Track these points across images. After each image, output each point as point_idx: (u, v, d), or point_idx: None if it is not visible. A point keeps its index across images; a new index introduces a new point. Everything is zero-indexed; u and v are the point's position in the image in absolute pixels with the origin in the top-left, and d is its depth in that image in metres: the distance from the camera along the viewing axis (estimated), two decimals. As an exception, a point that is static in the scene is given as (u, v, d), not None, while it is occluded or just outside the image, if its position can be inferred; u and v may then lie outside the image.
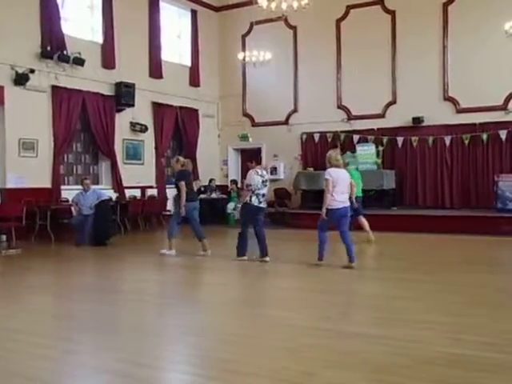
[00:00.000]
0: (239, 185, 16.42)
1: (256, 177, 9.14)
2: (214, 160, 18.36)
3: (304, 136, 17.16)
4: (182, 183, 9.86)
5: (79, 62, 13.61)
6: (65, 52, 13.37)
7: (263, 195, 9.19)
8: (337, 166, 8.41)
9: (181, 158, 10.56)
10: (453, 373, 3.91)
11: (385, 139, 15.96)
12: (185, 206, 9.82)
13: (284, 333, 5.06)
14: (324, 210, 8.30)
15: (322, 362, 4.17)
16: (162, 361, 4.42)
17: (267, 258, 9.12)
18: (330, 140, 16.69)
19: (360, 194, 11.51)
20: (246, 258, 9.21)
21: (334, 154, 8.59)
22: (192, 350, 4.72)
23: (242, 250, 9.24)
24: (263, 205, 9.26)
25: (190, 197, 10.00)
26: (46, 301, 6.85)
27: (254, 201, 9.09)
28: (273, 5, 11.64)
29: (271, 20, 15.25)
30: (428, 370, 3.95)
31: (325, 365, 4.11)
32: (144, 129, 15.62)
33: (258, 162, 9.48)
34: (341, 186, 8.30)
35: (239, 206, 9.26)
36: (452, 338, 4.72)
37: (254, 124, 18.05)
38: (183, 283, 7.93)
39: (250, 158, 9.63)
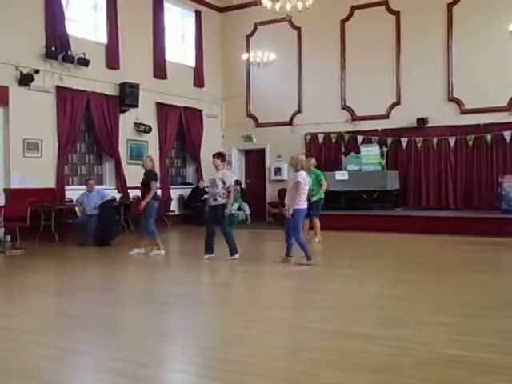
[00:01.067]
0: (243, 185, 16.46)
1: (234, 175, 9.62)
2: (217, 161, 18.34)
3: (308, 137, 17.15)
4: (155, 183, 10.26)
5: (83, 62, 13.64)
6: (69, 52, 13.40)
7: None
8: (306, 170, 9.04)
9: (152, 157, 10.86)
10: (453, 373, 3.91)
11: (389, 140, 15.94)
12: (148, 202, 10.18)
13: (285, 333, 5.07)
14: (291, 211, 8.67)
15: (323, 363, 4.17)
16: (164, 361, 4.43)
17: (237, 255, 9.35)
18: (334, 141, 16.69)
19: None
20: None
21: (304, 157, 9.24)
22: (194, 350, 4.73)
23: (235, 248, 9.39)
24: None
25: (156, 196, 10.47)
26: (49, 300, 6.87)
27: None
28: (277, 5, 11.64)
29: (275, 21, 15.25)
30: (428, 371, 3.95)
31: (326, 365, 4.12)
32: (148, 129, 15.64)
33: (223, 160, 9.53)
34: (307, 188, 8.92)
35: (237, 205, 9.33)
36: (452, 338, 4.72)
37: (258, 125, 18.06)
38: (185, 283, 7.94)
39: (219, 155, 9.54)
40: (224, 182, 9.23)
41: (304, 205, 8.84)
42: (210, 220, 9.57)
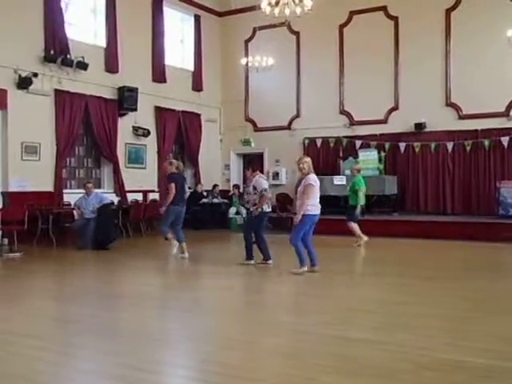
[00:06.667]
0: (241, 189, 16.43)
1: (265, 182, 9.34)
2: (216, 165, 18.39)
3: (306, 141, 17.17)
4: (172, 185, 9.96)
5: (82, 66, 13.64)
6: (68, 56, 13.40)
7: (269, 199, 9.38)
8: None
9: (174, 161, 10.70)
10: (452, 379, 3.91)
11: (387, 145, 15.96)
12: (168, 207, 9.98)
13: (284, 338, 5.06)
14: (299, 217, 8.28)
15: (322, 368, 4.17)
16: (163, 366, 4.42)
17: (270, 261, 9.21)
18: (332, 145, 16.73)
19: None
20: (271, 261, 9.26)
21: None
22: (193, 355, 4.73)
23: (268, 252, 9.27)
24: (270, 209, 9.44)
25: (176, 200, 10.07)
26: (46, 304, 6.85)
27: (264, 207, 9.21)
28: (276, 10, 11.64)
29: (274, 25, 15.28)
30: (428, 376, 3.95)
31: (325, 370, 4.11)
32: (146, 133, 15.64)
33: (255, 169, 9.47)
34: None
35: (234, 209, 9.25)
36: (452, 343, 4.73)
37: (257, 129, 18.07)
38: (184, 288, 7.93)
39: (249, 165, 9.57)
40: (255, 188, 9.20)
41: (316, 210, 8.37)
42: (248, 227, 9.52)
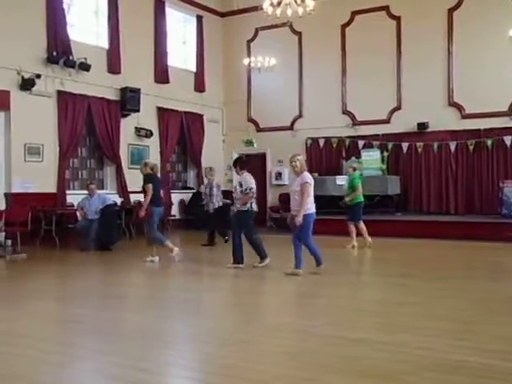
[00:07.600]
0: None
1: (253, 180, 9.15)
2: (218, 165, 18.28)
3: (309, 141, 17.17)
4: (150, 186, 9.89)
5: (85, 67, 13.67)
6: (70, 57, 13.44)
7: (255, 198, 9.19)
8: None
9: (149, 161, 10.71)
10: (455, 380, 3.90)
11: (390, 145, 15.96)
12: (147, 209, 9.92)
13: (285, 338, 5.06)
14: (301, 218, 8.15)
15: (324, 368, 4.17)
16: (164, 366, 4.42)
17: (267, 260, 9.11)
18: (334, 145, 16.72)
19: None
20: (242, 265, 9.08)
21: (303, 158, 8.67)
22: (194, 355, 4.74)
23: (241, 257, 9.10)
24: (256, 208, 9.25)
25: (157, 201, 10.02)
26: (49, 305, 6.87)
27: (253, 205, 9.07)
28: (278, 11, 11.66)
29: (276, 26, 15.27)
30: (431, 377, 3.94)
31: (326, 370, 4.11)
32: (149, 134, 15.65)
33: (242, 168, 9.25)
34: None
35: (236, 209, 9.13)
36: (452, 344, 4.72)
37: (259, 129, 18.07)
38: (185, 289, 7.94)
39: (235, 163, 9.45)
40: (241, 185, 9.00)
41: (314, 208, 8.34)
42: (234, 227, 9.31)
